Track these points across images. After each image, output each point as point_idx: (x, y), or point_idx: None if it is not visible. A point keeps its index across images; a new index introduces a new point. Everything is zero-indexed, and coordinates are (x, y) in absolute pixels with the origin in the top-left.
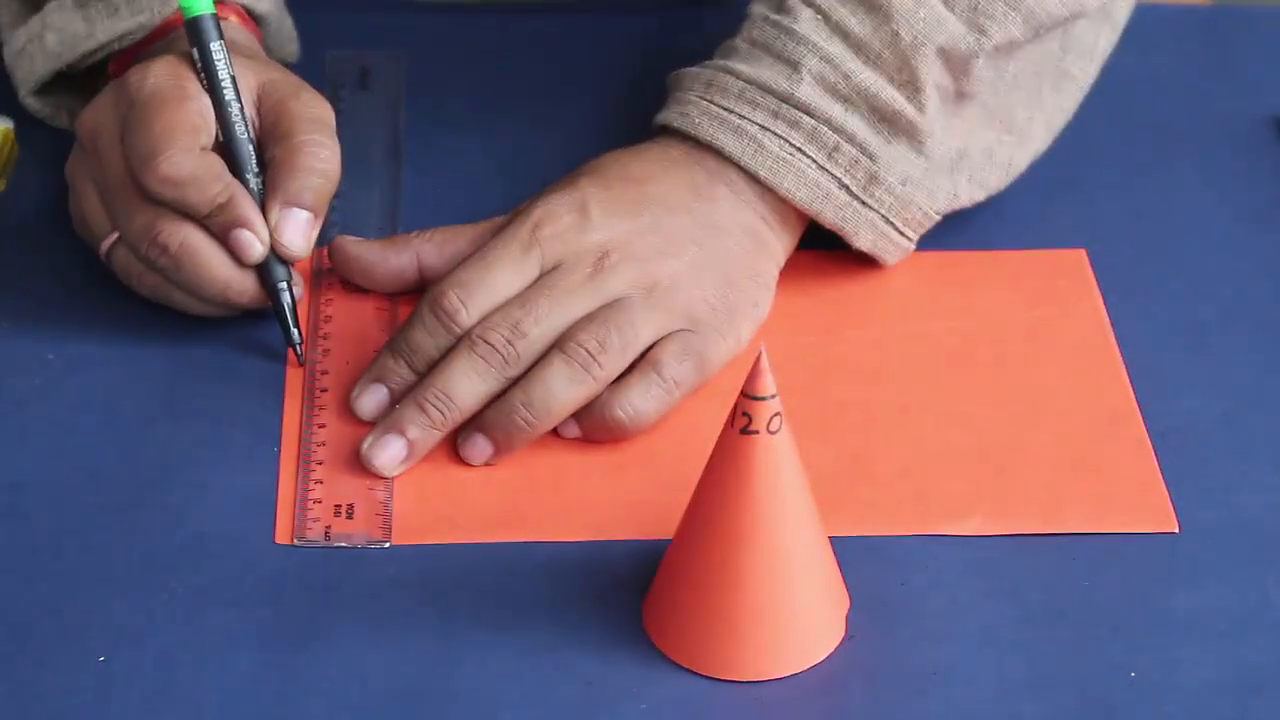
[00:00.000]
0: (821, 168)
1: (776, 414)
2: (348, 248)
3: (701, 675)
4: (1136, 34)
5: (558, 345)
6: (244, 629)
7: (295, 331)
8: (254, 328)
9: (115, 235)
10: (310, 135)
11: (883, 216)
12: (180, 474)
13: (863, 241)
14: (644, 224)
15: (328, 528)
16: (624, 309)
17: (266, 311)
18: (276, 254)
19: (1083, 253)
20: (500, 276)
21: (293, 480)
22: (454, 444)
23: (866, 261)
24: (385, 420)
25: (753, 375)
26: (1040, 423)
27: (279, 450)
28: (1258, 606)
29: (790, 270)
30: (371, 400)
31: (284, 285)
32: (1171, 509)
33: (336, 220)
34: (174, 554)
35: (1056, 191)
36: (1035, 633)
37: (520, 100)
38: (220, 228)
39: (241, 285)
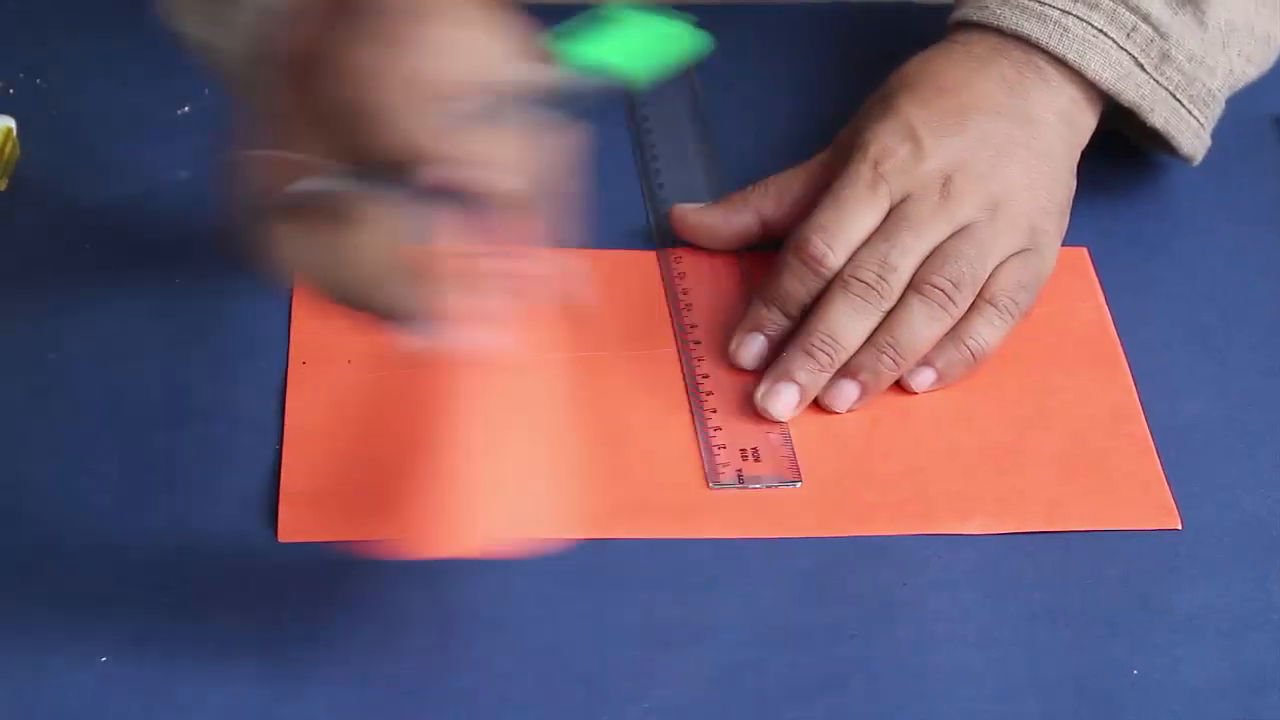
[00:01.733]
0: (1121, 48)
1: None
2: (689, 216)
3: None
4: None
5: (913, 286)
6: (244, 629)
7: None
8: (254, 328)
9: (271, 153)
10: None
11: (1171, 94)
12: (180, 474)
13: (1157, 119)
14: (972, 138)
15: (739, 470)
16: (972, 239)
17: (268, 310)
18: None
19: (1084, 251)
20: (856, 216)
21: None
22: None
23: None
24: (774, 369)
25: None
26: (1042, 421)
27: (280, 449)
28: (1260, 605)
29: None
30: (751, 350)
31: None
32: (1174, 506)
33: (666, 197)
34: (174, 554)
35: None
36: (1037, 631)
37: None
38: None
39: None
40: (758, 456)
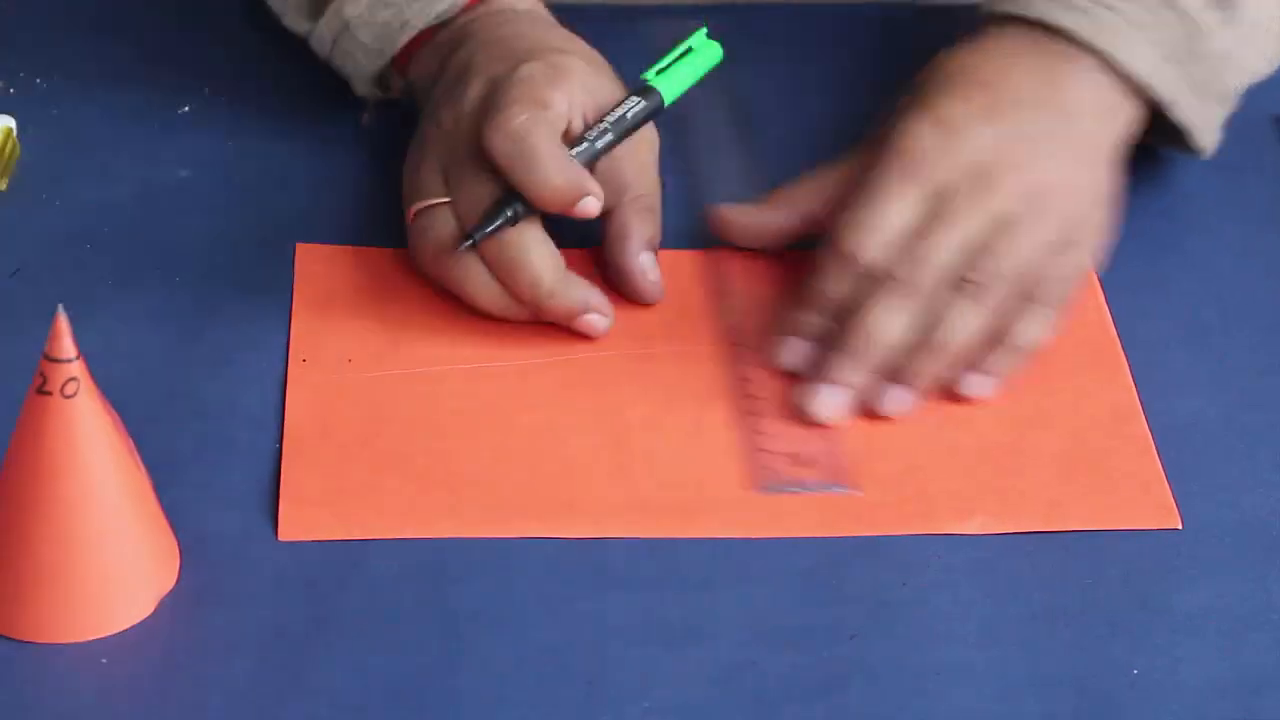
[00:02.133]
0: (1154, 41)
1: (73, 378)
2: (728, 215)
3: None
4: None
5: (952, 282)
6: (245, 628)
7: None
8: (254, 326)
9: (437, 201)
10: (645, 190)
11: (1199, 88)
12: (180, 473)
13: (1181, 113)
14: (1008, 131)
15: (786, 475)
16: (1011, 233)
17: (268, 310)
18: (641, 292)
19: None
20: (891, 212)
21: (281, 472)
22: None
23: None
24: (819, 370)
25: (52, 337)
26: (1042, 421)
27: (280, 448)
28: (1260, 604)
29: (792, 270)
30: (792, 352)
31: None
32: (1174, 506)
33: (706, 196)
34: None
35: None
36: (1037, 631)
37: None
38: (561, 210)
39: (552, 284)
40: (806, 461)
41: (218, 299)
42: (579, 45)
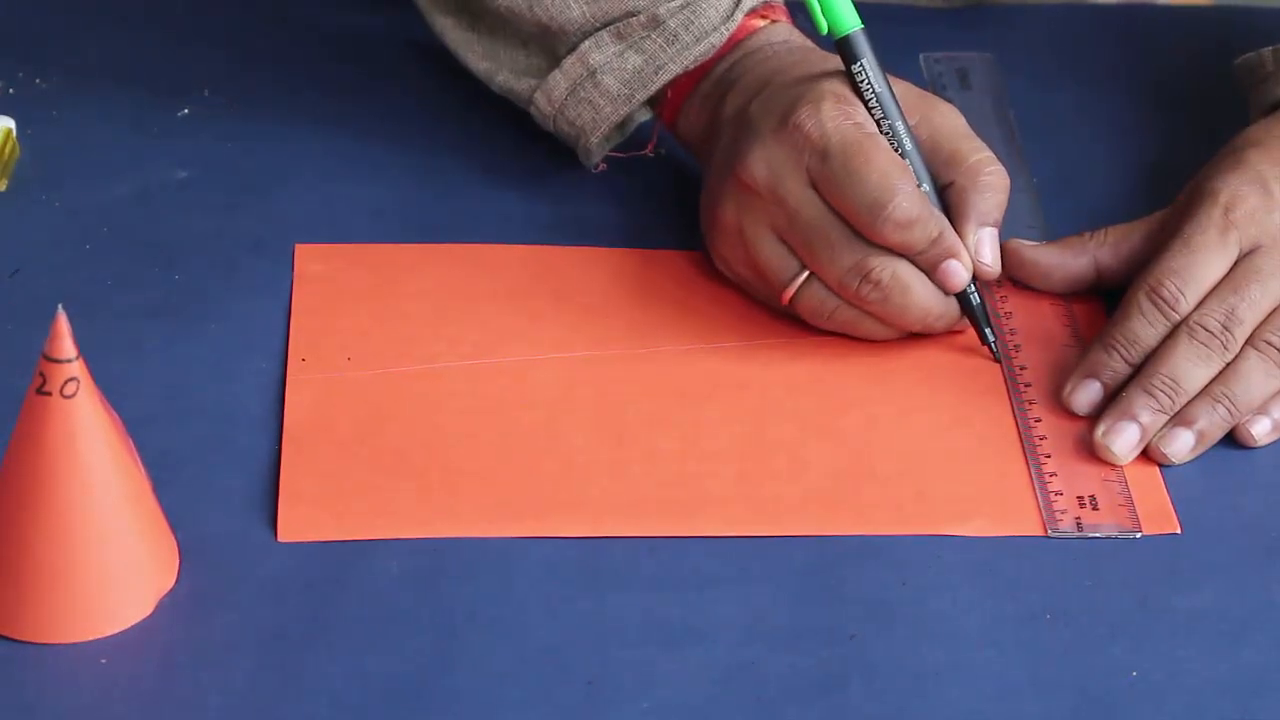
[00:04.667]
0: None
1: (73, 379)
2: (1024, 252)
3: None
4: (1138, 34)
5: (1251, 341)
6: (244, 629)
7: (989, 332)
8: (253, 326)
9: (805, 275)
10: (978, 155)
11: None
12: (179, 473)
13: None
14: None
15: (1077, 519)
16: None
17: (268, 309)
18: (976, 273)
19: None
20: (1206, 262)
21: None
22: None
23: None
24: (1115, 408)
25: (52, 337)
26: (1041, 423)
27: (279, 448)
28: (1259, 606)
29: None
30: (1086, 395)
31: (973, 290)
32: (1172, 510)
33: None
34: None
35: (1057, 191)
36: (1036, 633)
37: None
38: (931, 260)
39: (943, 309)
40: (1096, 505)
41: (217, 299)
42: (835, 62)
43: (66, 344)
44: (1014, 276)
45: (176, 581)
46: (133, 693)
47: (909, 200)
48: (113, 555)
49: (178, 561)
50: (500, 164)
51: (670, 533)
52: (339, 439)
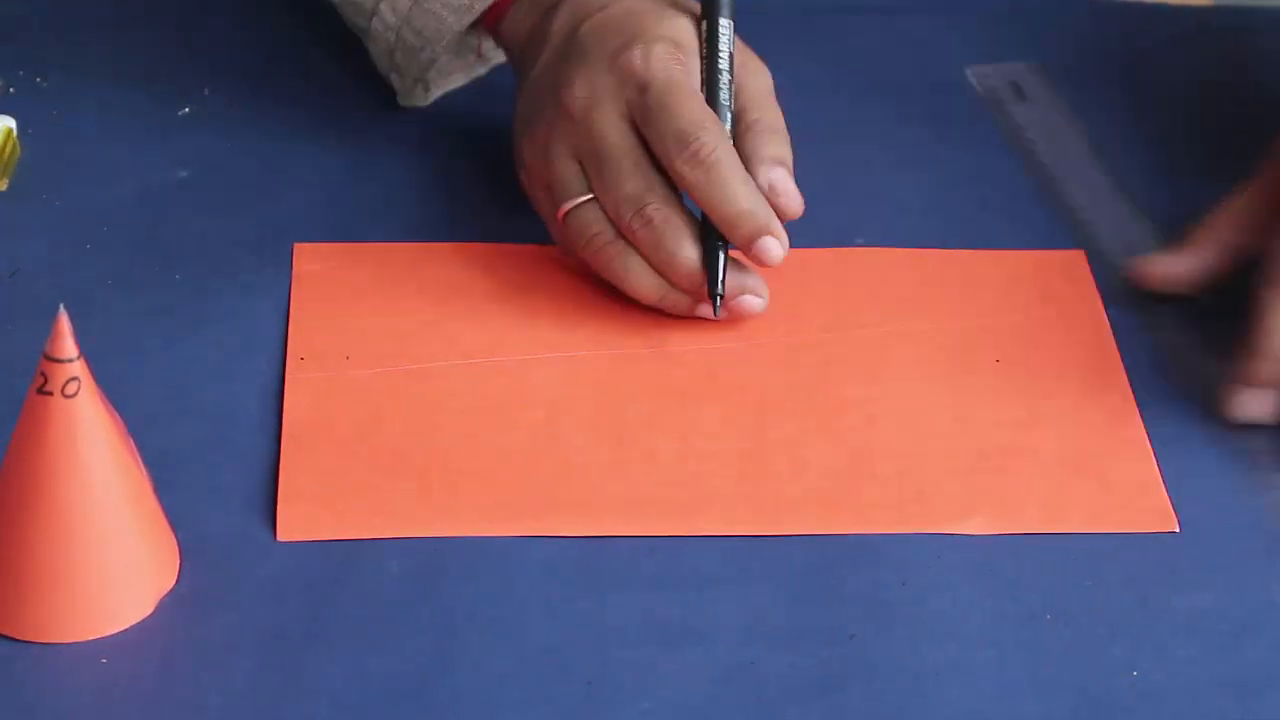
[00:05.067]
0: None
1: (74, 378)
2: (1153, 269)
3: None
4: (1137, 34)
5: None
6: (244, 629)
7: (720, 285)
8: (252, 325)
9: (586, 198)
10: (758, 114)
11: None
12: (178, 472)
13: None
14: None
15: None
16: None
17: (267, 309)
18: (778, 210)
19: (1081, 253)
20: None
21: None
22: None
23: (868, 261)
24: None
25: (52, 337)
26: (1040, 422)
27: (278, 447)
28: (1259, 606)
29: (790, 269)
30: (1256, 402)
31: (722, 247)
32: (1171, 509)
33: (1105, 248)
34: None
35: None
36: (1036, 633)
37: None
38: (748, 235)
39: (695, 275)
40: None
41: (217, 298)
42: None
43: (68, 343)
44: (1151, 288)
45: (177, 581)
46: (133, 693)
47: (714, 138)
48: (113, 555)
49: (178, 561)
50: (500, 164)
51: (670, 532)
52: (338, 438)
